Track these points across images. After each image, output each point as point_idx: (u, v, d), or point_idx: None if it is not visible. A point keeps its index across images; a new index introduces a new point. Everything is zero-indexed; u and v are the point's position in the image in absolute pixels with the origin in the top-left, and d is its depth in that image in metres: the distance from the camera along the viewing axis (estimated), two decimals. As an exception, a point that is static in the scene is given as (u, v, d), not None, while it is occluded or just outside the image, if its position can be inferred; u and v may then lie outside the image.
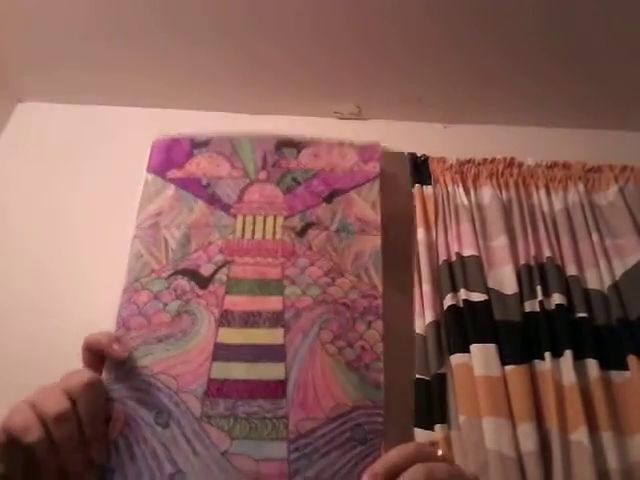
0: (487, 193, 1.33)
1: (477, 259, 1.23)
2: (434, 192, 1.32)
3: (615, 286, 1.20)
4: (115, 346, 0.39)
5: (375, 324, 0.40)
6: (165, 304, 0.40)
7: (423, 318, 1.17)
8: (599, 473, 1.00)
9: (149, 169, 0.42)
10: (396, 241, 0.39)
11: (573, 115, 1.49)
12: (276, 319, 0.39)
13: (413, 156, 1.37)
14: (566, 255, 1.25)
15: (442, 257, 1.24)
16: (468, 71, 1.36)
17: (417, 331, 1.16)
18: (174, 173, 0.43)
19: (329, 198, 0.43)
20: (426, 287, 1.19)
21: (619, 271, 1.22)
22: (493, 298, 1.19)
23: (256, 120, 1.49)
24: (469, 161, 1.37)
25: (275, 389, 0.37)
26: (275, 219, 0.43)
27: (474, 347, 1.12)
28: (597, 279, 1.21)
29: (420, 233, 1.25)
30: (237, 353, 0.39)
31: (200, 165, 0.42)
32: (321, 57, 1.35)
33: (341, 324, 0.40)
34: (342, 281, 0.41)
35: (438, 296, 1.20)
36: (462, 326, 1.15)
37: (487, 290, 1.20)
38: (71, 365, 0.43)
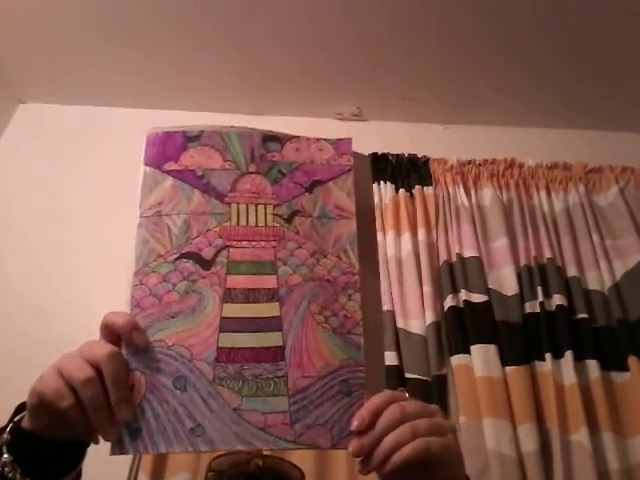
0: (488, 194, 1.38)
1: (478, 260, 1.28)
2: (435, 193, 1.37)
3: (616, 287, 1.25)
4: (135, 334, 0.46)
5: (354, 296, 0.49)
6: (174, 284, 0.47)
7: (424, 319, 1.20)
8: (599, 474, 1.04)
9: (146, 162, 0.50)
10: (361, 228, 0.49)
11: (573, 116, 1.54)
12: (272, 295, 0.48)
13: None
14: (567, 256, 1.30)
15: (443, 258, 1.29)
16: (468, 73, 1.42)
17: (418, 332, 1.19)
18: (170, 165, 0.50)
19: (310, 188, 0.51)
20: (427, 288, 1.23)
21: (619, 272, 1.27)
22: (494, 299, 1.24)
23: (257, 121, 1.53)
24: (470, 162, 1.42)
25: (275, 354, 0.47)
26: (265, 207, 0.50)
27: (474, 348, 1.16)
28: (598, 280, 1.26)
29: (421, 234, 1.30)
30: (241, 325, 0.47)
31: (194, 158, 0.50)
32: (322, 59, 1.41)
33: (326, 297, 0.48)
34: (325, 261, 0.49)
35: (439, 297, 1.25)
36: (462, 327, 1.20)
37: (487, 291, 1.25)
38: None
